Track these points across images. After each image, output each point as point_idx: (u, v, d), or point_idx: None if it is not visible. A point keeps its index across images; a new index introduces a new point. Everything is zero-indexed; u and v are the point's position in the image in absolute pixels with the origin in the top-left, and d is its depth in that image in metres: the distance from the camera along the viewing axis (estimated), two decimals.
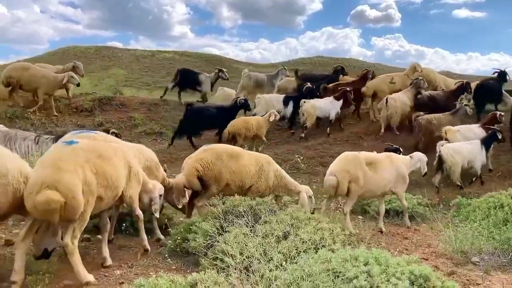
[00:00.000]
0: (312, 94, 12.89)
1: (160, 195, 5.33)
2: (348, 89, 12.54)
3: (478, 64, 63.12)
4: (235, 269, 3.57)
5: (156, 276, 3.68)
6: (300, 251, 3.99)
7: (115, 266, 4.70)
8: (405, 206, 6.81)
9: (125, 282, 4.32)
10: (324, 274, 3.49)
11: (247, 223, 4.59)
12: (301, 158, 10.79)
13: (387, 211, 7.20)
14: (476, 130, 10.30)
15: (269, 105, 12.56)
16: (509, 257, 4.93)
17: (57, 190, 3.63)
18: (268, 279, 3.47)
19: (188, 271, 4.37)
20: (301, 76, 15.02)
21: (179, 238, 5.01)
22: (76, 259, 4.02)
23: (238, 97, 12.29)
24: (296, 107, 12.58)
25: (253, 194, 5.87)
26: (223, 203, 5.31)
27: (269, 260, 3.76)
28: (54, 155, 4.01)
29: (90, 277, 4.10)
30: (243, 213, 4.74)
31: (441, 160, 9.24)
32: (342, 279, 3.46)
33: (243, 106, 11.88)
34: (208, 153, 5.82)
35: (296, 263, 3.80)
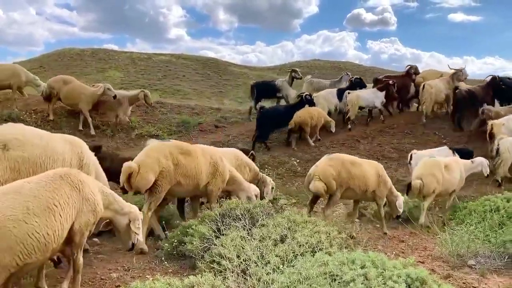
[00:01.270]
0: (361, 85, 13.72)
1: (256, 195, 6.15)
2: (390, 82, 13.18)
3: (474, 68, 63.41)
4: (232, 272, 3.57)
5: (152, 279, 3.66)
6: (297, 254, 3.99)
7: (112, 269, 4.68)
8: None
9: (121, 285, 4.30)
10: (321, 277, 3.49)
11: (244, 226, 4.59)
12: (298, 161, 10.82)
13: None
14: None
15: (328, 100, 13.25)
16: (505, 260, 4.95)
17: (138, 167, 5.19)
18: (265, 282, 3.47)
19: (185, 274, 4.35)
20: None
21: (175, 241, 5.00)
22: (145, 229, 5.18)
23: (304, 93, 12.97)
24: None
25: (374, 199, 6.77)
26: (220, 206, 5.32)
27: (266, 264, 3.75)
28: (150, 146, 5.69)
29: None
30: (240, 216, 4.73)
31: (497, 153, 9.48)
32: (339, 282, 3.46)
33: (308, 102, 12.51)
34: (335, 161, 6.38)
35: (293, 266, 3.80)
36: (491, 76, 12.93)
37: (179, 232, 5.12)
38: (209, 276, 3.62)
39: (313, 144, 12.02)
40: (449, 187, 7.46)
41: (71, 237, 3.58)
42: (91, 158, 5.21)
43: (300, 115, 11.98)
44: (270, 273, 3.54)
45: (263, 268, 3.65)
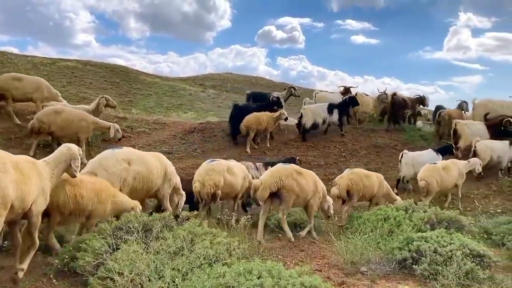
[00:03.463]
0: (355, 103, 14.71)
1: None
2: None
3: (374, 87, 68.28)
4: (124, 287, 3.39)
5: None
6: (193, 267, 3.91)
7: None
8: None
9: None
10: None
11: (139, 239, 4.41)
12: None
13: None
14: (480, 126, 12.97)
15: (315, 114, 13.93)
16: (393, 265, 5.29)
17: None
18: None
19: None
20: None
21: (67, 257, 4.67)
22: None
23: (272, 95, 14.26)
24: (341, 114, 14.25)
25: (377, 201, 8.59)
26: (116, 219, 5.08)
27: (161, 278, 3.63)
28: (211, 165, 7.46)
29: None
30: (133, 230, 4.54)
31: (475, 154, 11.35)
32: None
33: (276, 104, 13.75)
34: (355, 175, 8.29)
35: (189, 279, 3.72)
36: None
37: (71, 248, 4.79)
38: None
39: (248, 151, 12.38)
40: (448, 185, 9.53)
41: None
42: (171, 168, 6.93)
43: (248, 119, 12.65)
44: (164, 287, 3.42)
45: (157, 282, 3.52)
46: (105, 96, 10.52)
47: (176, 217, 5.50)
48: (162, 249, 4.08)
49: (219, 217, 7.18)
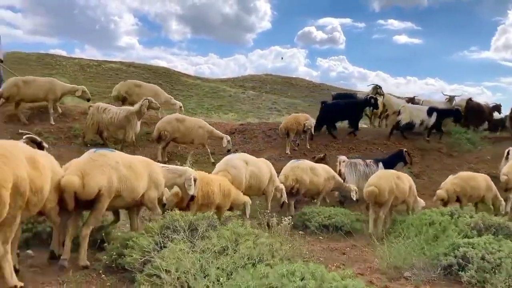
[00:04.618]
0: (458, 117, 14.51)
1: None
2: None
3: (416, 88, 66.72)
4: (171, 285, 3.50)
5: None
6: (238, 267, 3.97)
7: (45, 283, 4.47)
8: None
9: None
10: None
11: (186, 238, 4.53)
12: None
13: (326, 227, 7.39)
14: None
15: (413, 114, 13.91)
16: (438, 271, 5.17)
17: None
18: None
19: None
20: None
21: (114, 253, 4.84)
22: None
23: (370, 95, 14.26)
24: (440, 118, 13.97)
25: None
26: (162, 218, 5.23)
27: (206, 276, 3.71)
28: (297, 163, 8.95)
29: None
30: (180, 229, 4.66)
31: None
32: None
33: (373, 105, 13.91)
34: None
35: (233, 278, 3.78)
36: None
37: (118, 245, 4.97)
38: None
39: (288, 152, 12.49)
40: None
41: None
42: (274, 171, 8.12)
43: (288, 120, 12.76)
44: (209, 286, 3.50)
45: (202, 281, 3.60)
46: (148, 98, 10.83)
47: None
48: (207, 248, 4.16)
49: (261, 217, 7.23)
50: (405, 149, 10.75)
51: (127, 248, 4.74)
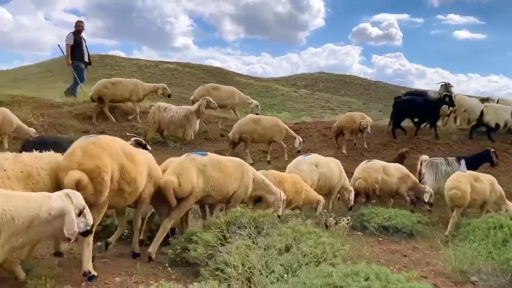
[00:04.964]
0: None
1: None
2: None
3: (478, 85, 63.72)
4: (237, 279, 3.58)
5: (156, 285, 3.68)
6: (301, 265, 4.00)
7: (115, 274, 4.69)
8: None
9: None
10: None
11: (249, 234, 4.61)
12: None
13: (386, 228, 7.25)
14: None
15: (498, 114, 13.41)
16: (508, 277, 4.94)
17: None
18: None
19: (188, 281, 4.35)
20: None
21: (179, 248, 5.02)
22: None
23: (444, 93, 13.54)
24: None
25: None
26: (225, 214, 5.36)
27: (271, 272, 3.77)
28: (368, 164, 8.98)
29: None
30: (245, 225, 4.75)
31: None
32: None
33: (447, 103, 13.04)
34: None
35: (297, 276, 3.82)
36: None
37: (183, 239, 5.14)
38: (214, 284, 3.64)
39: (344, 151, 12.30)
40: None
41: None
42: (343, 172, 8.27)
43: (342, 118, 12.61)
44: (274, 282, 3.55)
45: (267, 277, 3.66)
46: (206, 97, 11.09)
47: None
48: (272, 245, 4.22)
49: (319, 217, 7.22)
50: (492, 149, 10.23)
51: (192, 242, 4.90)
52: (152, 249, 5.21)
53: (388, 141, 13.24)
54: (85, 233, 3.80)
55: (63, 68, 32.49)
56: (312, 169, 7.72)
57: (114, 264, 5.02)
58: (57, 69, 30.48)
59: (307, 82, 34.48)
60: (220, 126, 13.20)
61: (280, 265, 3.92)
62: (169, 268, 4.83)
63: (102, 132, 11.34)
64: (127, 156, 4.55)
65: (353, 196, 8.21)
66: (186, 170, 5.28)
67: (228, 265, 4.05)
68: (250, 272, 3.79)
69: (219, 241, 4.74)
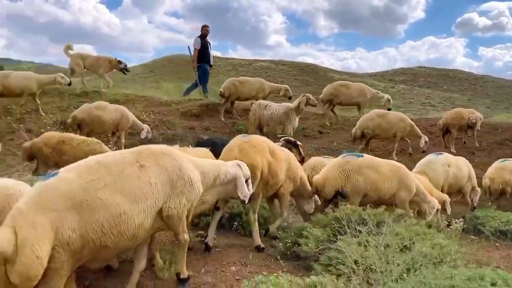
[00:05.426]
0: None
1: None
2: None
3: None
4: (358, 275, 3.59)
5: (276, 275, 3.80)
6: (421, 265, 3.89)
7: (230, 263, 4.93)
8: None
9: (241, 278, 4.53)
10: None
11: (360, 232, 4.58)
12: None
13: (504, 233, 6.77)
14: None
15: None
16: None
17: None
18: None
19: (300, 275, 4.44)
20: None
21: (289, 241, 5.14)
22: None
23: None
24: None
25: None
26: (333, 211, 5.37)
27: (389, 271, 3.72)
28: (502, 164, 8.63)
29: None
30: (356, 222, 4.73)
31: None
32: None
33: None
34: None
35: (417, 276, 3.72)
36: None
37: (293, 233, 5.26)
38: (331, 277, 3.68)
39: (453, 150, 11.58)
40: None
41: None
42: (473, 172, 8.16)
43: (448, 115, 12.12)
44: (396, 281, 3.50)
45: (386, 275, 3.62)
46: (306, 94, 11.15)
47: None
48: (385, 243, 4.16)
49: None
50: None
51: (302, 237, 4.99)
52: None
53: (504, 139, 12.25)
54: (243, 202, 4.74)
55: (164, 68, 34.63)
56: (446, 169, 7.76)
57: (227, 253, 5.28)
58: (159, 70, 32.48)
59: (406, 77, 33.03)
60: (318, 123, 13.19)
61: (398, 264, 3.85)
62: (281, 261, 4.98)
63: (207, 129, 11.96)
64: (271, 153, 5.31)
65: (477, 197, 7.86)
66: (334, 173, 5.83)
67: (342, 262, 4.07)
68: (368, 269, 3.77)
69: (328, 237, 4.79)
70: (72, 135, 7.30)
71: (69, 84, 11.48)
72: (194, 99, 13.62)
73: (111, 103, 10.26)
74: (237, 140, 5.33)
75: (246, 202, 4.75)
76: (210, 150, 5.68)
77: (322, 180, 5.93)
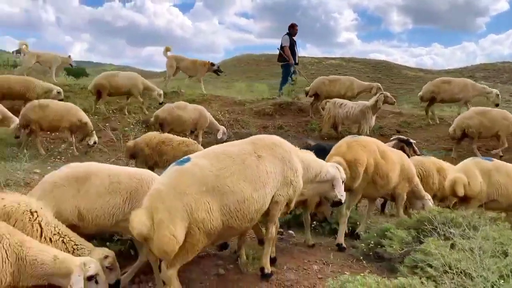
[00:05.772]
0: None
1: None
2: None
3: None
4: (452, 280, 3.47)
5: (363, 275, 3.78)
6: None
7: (312, 261, 4.96)
8: None
9: (323, 277, 4.55)
10: None
11: (447, 235, 4.42)
12: None
13: None
14: None
15: None
16: None
17: None
18: None
19: (384, 276, 4.37)
20: None
21: (372, 242, 5.07)
22: None
23: None
24: None
25: None
26: (418, 213, 5.22)
27: (484, 277, 3.55)
28: None
29: None
30: (445, 224, 4.57)
31: None
32: None
33: None
34: None
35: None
36: None
37: (375, 234, 5.18)
38: (421, 280, 3.59)
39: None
40: None
41: None
42: None
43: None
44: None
45: (482, 281, 3.47)
46: (384, 92, 10.88)
47: None
48: (473, 247, 3.97)
49: None
50: None
51: (385, 238, 4.90)
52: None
53: None
54: (337, 204, 4.89)
55: (234, 68, 35.28)
56: None
57: (308, 252, 5.31)
58: (229, 70, 33.14)
59: (487, 73, 31.04)
60: (395, 122, 12.80)
61: (492, 272, 3.66)
62: (364, 261, 4.93)
63: (280, 128, 12.06)
64: (381, 154, 5.45)
65: None
66: (473, 172, 5.70)
67: (429, 264, 3.95)
68: (461, 273, 3.63)
69: (412, 239, 4.67)
70: (171, 136, 7.72)
71: (161, 103, 11.92)
72: (267, 98, 13.78)
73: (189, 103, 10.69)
74: (347, 138, 5.67)
75: (342, 202, 4.85)
76: (320, 155, 5.78)
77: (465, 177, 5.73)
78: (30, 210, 3.59)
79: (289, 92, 13.62)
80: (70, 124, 9.44)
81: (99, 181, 4.09)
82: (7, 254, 2.99)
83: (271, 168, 3.98)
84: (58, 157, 9.36)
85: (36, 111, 9.25)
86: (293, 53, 14.05)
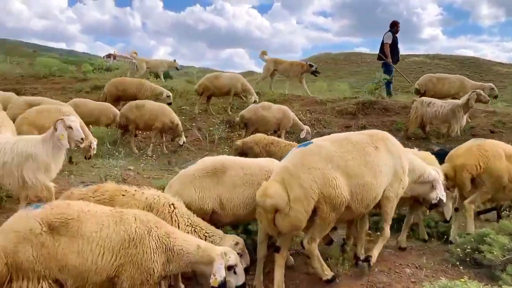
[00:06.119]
0: None
1: None
2: None
3: None
4: None
5: (464, 281, 3.62)
6: None
7: (403, 265, 4.84)
8: None
9: (417, 281, 4.42)
10: None
11: None
12: None
13: None
14: None
15: None
16: None
17: None
18: None
19: (485, 284, 4.15)
20: None
21: (469, 248, 4.83)
22: None
23: None
24: None
25: None
26: None
27: None
28: None
29: None
30: None
31: None
32: None
33: None
34: None
35: None
36: None
37: (473, 239, 4.93)
38: None
39: None
40: None
41: None
42: None
43: None
44: None
45: None
46: (476, 90, 10.21)
47: None
48: None
49: None
50: None
51: (484, 244, 4.66)
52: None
53: None
54: (434, 206, 5.00)
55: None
56: None
57: (399, 255, 5.18)
58: None
59: None
60: (488, 121, 11.98)
61: None
62: (461, 267, 4.72)
63: (363, 127, 11.79)
64: (508, 158, 5.33)
65: None
66: None
67: None
68: None
69: None
70: (276, 138, 8.25)
71: (255, 101, 12.14)
72: (349, 97, 13.55)
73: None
74: (470, 142, 5.63)
75: (439, 205, 4.91)
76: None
77: None
78: (169, 202, 3.92)
79: (372, 91, 13.26)
80: (162, 124, 10.01)
81: (234, 173, 4.42)
82: (156, 246, 3.23)
83: (385, 160, 4.13)
84: (150, 155, 9.95)
85: (133, 111, 9.94)
86: (396, 51, 13.63)
